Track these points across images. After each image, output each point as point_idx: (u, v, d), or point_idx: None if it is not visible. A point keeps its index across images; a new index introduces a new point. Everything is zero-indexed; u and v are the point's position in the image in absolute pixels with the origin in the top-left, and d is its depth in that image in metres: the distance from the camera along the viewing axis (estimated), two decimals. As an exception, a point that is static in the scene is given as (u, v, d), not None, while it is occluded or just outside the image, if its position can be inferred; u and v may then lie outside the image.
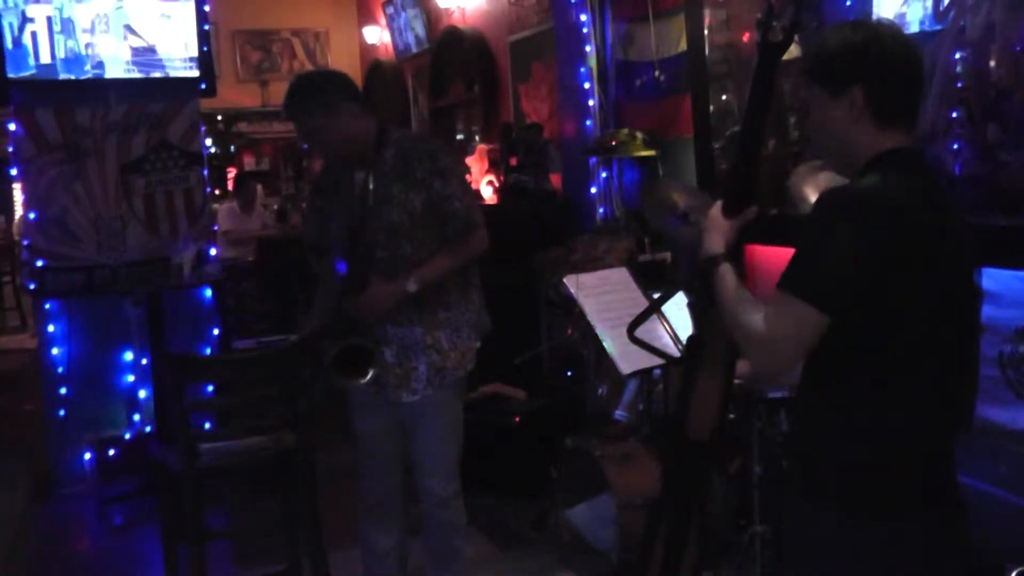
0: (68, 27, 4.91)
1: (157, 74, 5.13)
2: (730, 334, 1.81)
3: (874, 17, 3.36)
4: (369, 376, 2.93)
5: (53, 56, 4.89)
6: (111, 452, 5.13)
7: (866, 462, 1.71)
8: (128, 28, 5.05)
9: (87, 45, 4.97)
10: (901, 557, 1.70)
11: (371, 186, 2.90)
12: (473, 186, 6.59)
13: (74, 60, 4.94)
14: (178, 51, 5.17)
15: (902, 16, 3.41)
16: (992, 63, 3.18)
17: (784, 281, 1.67)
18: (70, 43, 4.92)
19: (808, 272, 1.65)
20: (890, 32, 1.76)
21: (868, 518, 1.70)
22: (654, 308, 2.99)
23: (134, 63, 5.06)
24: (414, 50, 8.72)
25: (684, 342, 2.51)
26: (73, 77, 4.92)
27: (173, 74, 5.16)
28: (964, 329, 1.79)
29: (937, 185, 1.80)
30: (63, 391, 5.06)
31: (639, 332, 2.85)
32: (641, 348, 2.97)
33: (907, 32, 2.99)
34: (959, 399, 1.81)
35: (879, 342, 1.68)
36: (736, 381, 2.48)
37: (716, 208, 1.97)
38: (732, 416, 3.26)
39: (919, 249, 1.64)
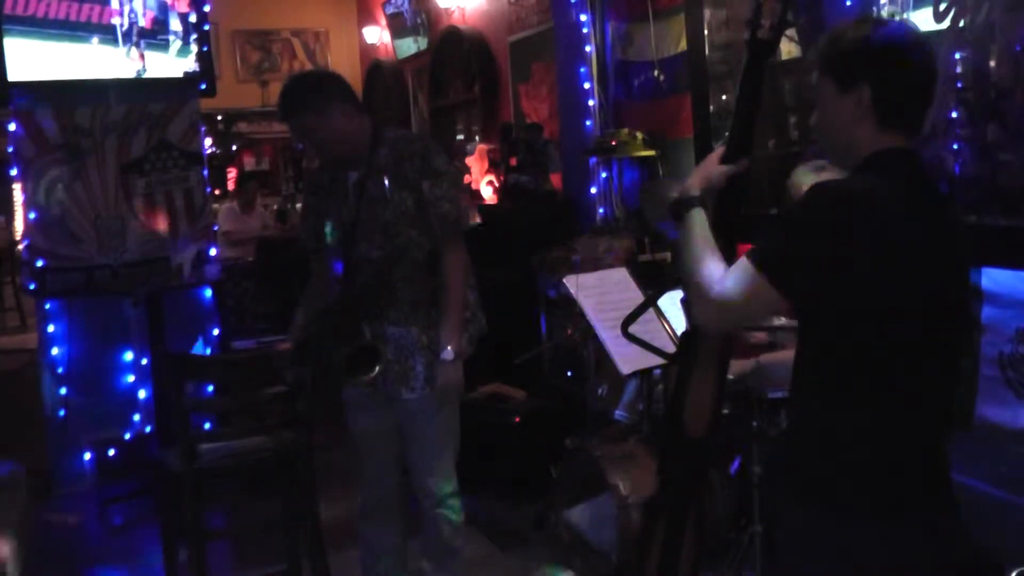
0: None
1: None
2: (685, 279, 1.85)
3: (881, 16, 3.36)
4: (375, 372, 2.95)
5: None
6: (111, 452, 5.12)
7: (857, 462, 1.71)
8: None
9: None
10: (892, 557, 1.70)
11: (386, 184, 2.93)
12: (473, 186, 6.59)
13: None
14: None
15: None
16: (992, 63, 3.18)
17: (751, 251, 1.72)
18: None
19: (773, 249, 1.71)
20: (910, 39, 1.77)
21: (859, 518, 1.70)
22: (649, 303, 3.00)
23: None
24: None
25: (679, 337, 2.51)
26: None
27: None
28: (955, 329, 1.80)
29: (928, 186, 1.80)
30: (63, 391, 5.05)
31: (636, 330, 2.85)
32: (636, 344, 2.98)
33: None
34: (950, 398, 1.82)
35: (866, 341, 1.69)
36: (728, 377, 2.48)
37: (716, 152, 2.01)
38: (727, 412, 3.26)
39: (894, 249, 1.65)
